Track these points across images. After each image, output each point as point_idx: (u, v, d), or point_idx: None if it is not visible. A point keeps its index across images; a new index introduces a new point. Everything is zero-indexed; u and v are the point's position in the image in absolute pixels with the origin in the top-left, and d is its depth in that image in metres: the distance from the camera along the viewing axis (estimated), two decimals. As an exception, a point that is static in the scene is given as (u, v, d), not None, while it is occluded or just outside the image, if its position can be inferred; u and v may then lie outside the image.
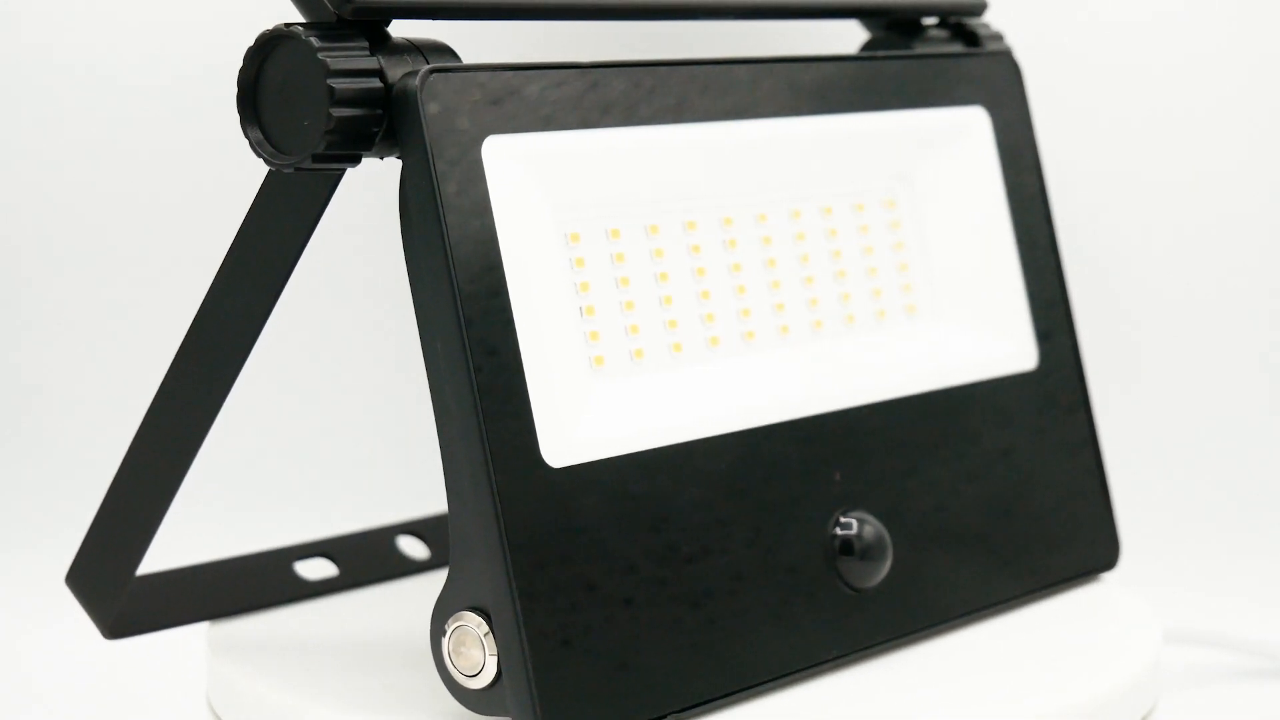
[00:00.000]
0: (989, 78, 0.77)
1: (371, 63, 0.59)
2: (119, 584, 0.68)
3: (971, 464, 0.73)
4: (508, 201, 0.61)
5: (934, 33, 0.80)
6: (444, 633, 0.61)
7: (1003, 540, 0.73)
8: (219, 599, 0.73)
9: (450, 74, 0.60)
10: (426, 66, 0.59)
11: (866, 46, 0.80)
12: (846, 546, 0.67)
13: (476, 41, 0.74)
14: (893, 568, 0.69)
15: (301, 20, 0.60)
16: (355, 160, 0.60)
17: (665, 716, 0.61)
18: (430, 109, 0.59)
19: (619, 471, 0.62)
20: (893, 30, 0.79)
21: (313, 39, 0.59)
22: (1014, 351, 0.76)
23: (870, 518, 0.68)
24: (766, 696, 0.64)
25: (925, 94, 0.75)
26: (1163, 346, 1.09)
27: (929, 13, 0.80)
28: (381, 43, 0.60)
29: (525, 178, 0.62)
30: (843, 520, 0.68)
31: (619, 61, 0.65)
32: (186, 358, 0.65)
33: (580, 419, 0.62)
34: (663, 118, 0.66)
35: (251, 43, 0.60)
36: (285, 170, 0.60)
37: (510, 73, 0.61)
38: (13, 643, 0.89)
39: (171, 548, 0.77)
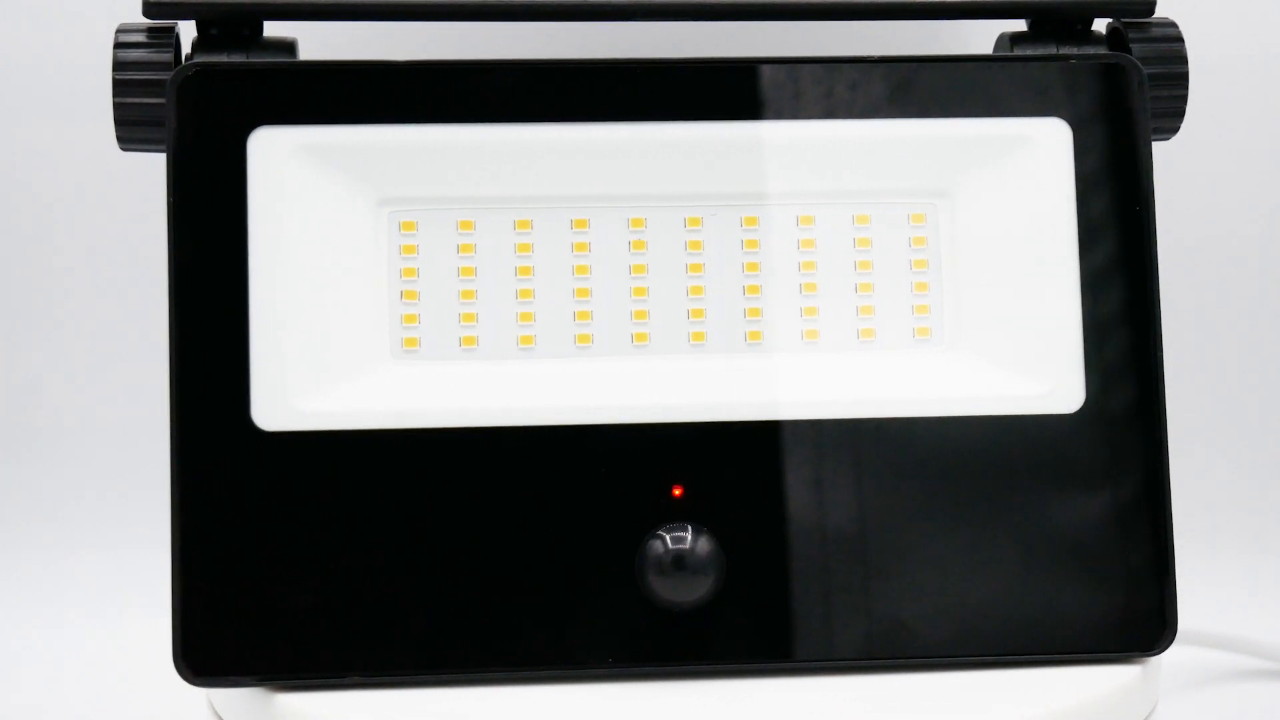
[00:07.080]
0: (1088, 86, 0.69)
1: (165, 58, 0.67)
2: None
3: (911, 503, 0.67)
4: (276, 189, 0.65)
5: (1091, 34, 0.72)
6: None
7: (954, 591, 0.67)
8: None
9: (217, 70, 0.66)
10: (189, 63, 0.66)
11: (996, 48, 0.74)
12: (650, 558, 0.65)
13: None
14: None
15: None
16: (162, 145, 0.67)
17: (344, 677, 0.64)
18: (180, 102, 0.65)
19: (357, 445, 0.65)
20: (1031, 31, 0.72)
21: (122, 35, 0.67)
22: (1039, 391, 0.67)
23: (701, 538, 0.65)
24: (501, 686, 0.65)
25: (975, 103, 0.69)
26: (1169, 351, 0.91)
27: (1088, 12, 0.72)
28: (220, 42, 0.68)
29: (311, 167, 0.66)
30: (671, 535, 0.66)
31: (443, 61, 0.67)
32: None
33: (328, 392, 0.65)
34: (510, 116, 0.67)
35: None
36: (124, 151, 0.69)
37: (305, 70, 0.66)
38: (12, 642, 0.91)
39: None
